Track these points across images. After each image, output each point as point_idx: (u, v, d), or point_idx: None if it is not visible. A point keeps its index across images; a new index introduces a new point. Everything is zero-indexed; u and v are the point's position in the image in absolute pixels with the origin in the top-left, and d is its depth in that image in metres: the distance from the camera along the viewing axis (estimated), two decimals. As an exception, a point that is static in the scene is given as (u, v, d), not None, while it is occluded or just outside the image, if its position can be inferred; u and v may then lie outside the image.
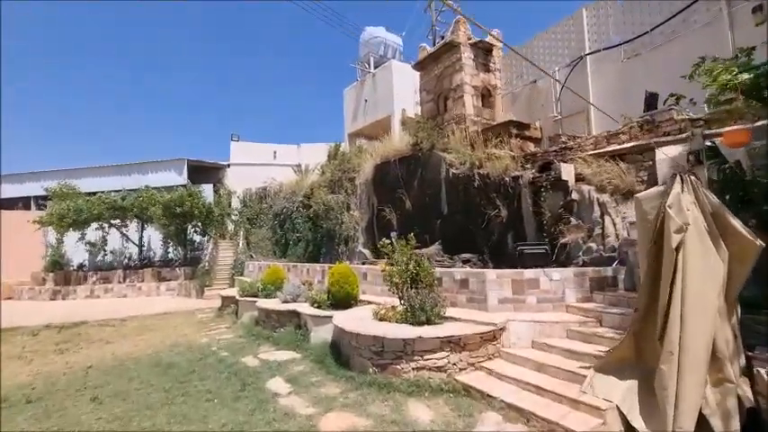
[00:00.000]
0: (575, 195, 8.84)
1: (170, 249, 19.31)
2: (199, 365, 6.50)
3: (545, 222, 9.15)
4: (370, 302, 7.80)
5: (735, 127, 4.75)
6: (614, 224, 8.01)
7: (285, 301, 8.69)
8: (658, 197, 4.02)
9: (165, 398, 5.10)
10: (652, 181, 7.91)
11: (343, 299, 7.49)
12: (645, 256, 4.09)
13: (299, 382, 5.45)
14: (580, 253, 8.42)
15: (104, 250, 18.94)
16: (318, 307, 7.57)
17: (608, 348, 4.76)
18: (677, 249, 3.75)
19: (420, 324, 5.59)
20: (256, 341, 7.87)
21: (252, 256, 17.77)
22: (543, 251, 6.57)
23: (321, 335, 6.89)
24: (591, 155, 8.95)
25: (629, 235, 7.77)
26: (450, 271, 6.75)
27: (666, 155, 7.81)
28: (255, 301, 9.40)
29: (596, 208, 8.38)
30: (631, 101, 10.08)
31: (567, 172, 9.03)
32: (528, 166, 10.22)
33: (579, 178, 9.06)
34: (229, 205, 21.43)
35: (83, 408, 4.93)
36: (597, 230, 8.27)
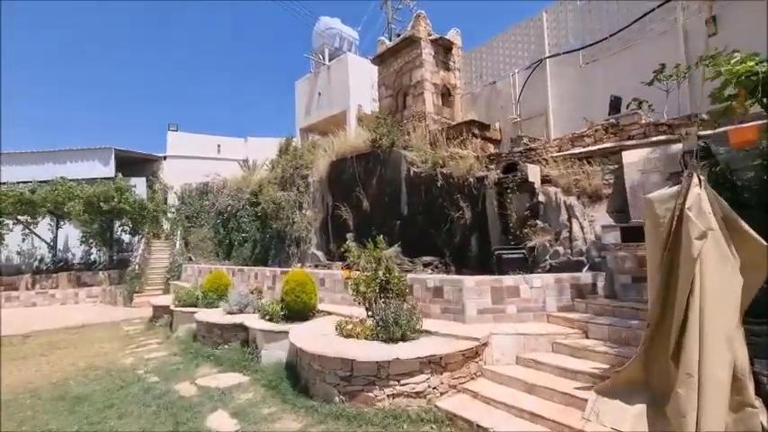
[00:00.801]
0: (541, 197, 8.54)
1: (93, 250, 16.85)
2: (119, 397, 5.20)
3: (511, 225, 8.78)
4: (329, 313, 6.88)
5: (746, 124, 4.46)
6: (582, 227, 7.78)
7: (230, 312, 7.50)
8: (673, 198, 3.58)
9: (66, 450, 3.85)
10: (619, 184, 7.79)
11: (299, 310, 6.51)
12: (657, 266, 3.62)
13: (248, 416, 4.43)
14: (547, 257, 8.10)
15: (3, 249, 16.01)
16: (270, 320, 6.51)
17: (603, 364, 4.29)
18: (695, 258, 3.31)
19: (394, 341, 4.81)
20: (194, 360, 6.63)
21: (191, 258, 15.98)
22: (522, 256, 6.11)
23: (274, 353, 5.87)
24: (556, 156, 8.73)
25: (597, 239, 7.59)
26: (421, 278, 6.05)
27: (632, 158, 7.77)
28: (194, 312, 8.08)
29: (563, 211, 8.13)
30: (591, 105, 10.09)
31: (534, 173, 8.72)
32: (492, 166, 9.85)
33: (545, 180, 8.80)
34: (165, 201, 19.28)
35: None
36: (564, 234, 8.00)
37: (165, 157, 19.76)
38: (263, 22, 64.70)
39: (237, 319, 7.01)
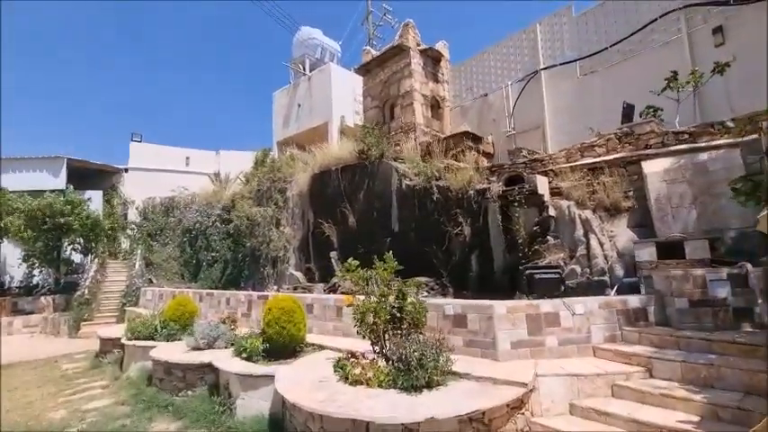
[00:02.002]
0: (552, 211, 7.71)
1: (36, 272, 14.63)
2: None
3: (520, 242, 7.87)
4: (321, 347, 5.59)
5: None
6: (601, 244, 6.95)
7: (196, 348, 6.03)
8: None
9: None
10: (640, 196, 7.08)
11: (285, 345, 5.19)
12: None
13: (219, 505, 3.08)
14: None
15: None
16: (248, 358, 5.14)
17: (692, 416, 3.29)
18: None
19: (417, 389, 3.63)
20: (147, 413, 5.12)
21: (151, 281, 14.11)
22: (556, 276, 5.12)
23: (254, 404, 4.51)
24: (566, 167, 7.98)
25: (620, 256, 6.78)
26: (438, 303, 4.92)
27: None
28: (152, 347, 6.54)
29: (578, 225, 7.30)
30: (590, 117, 9.52)
31: (542, 185, 7.93)
32: (493, 178, 9.00)
33: (555, 192, 8.01)
34: (125, 217, 17.32)
35: None
36: (581, 251, 7.15)
37: (126, 170, 17.86)
38: (236, 30, 61.85)
39: (205, 356, 5.57)
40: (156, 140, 19.63)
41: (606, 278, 6.59)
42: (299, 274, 12.10)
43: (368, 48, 14.10)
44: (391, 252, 9.61)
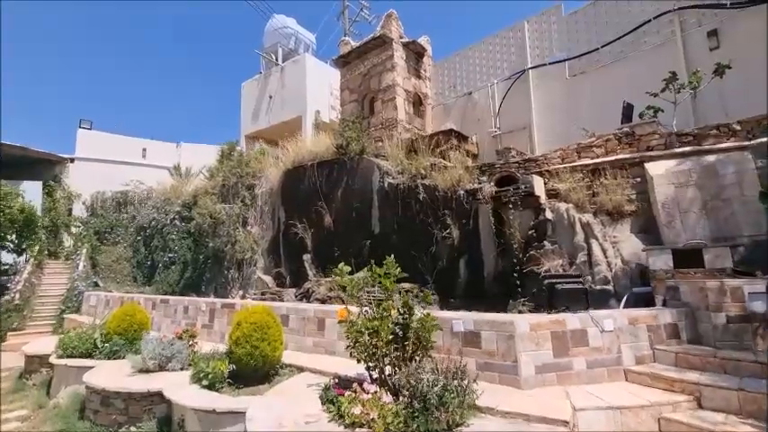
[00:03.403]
0: (549, 214, 7.15)
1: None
2: None
3: (515, 246, 7.26)
4: (300, 368, 4.64)
5: None
6: (604, 251, 6.44)
7: (144, 370, 4.89)
8: None
9: None
10: (643, 199, 6.64)
11: (256, 368, 4.20)
12: None
13: None
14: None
15: None
16: (210, 385, 4.10)
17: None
18: None
19: (436, 434, 2.80)
20: (75, 458, 3.98)
21: (97, 284, 12.44)
22: (580, 286, 4.44)
23: (217, 449, 3.51)
24: (563, 168, 7.46)
25: (625, 264, 6.28)
26: (445, 318, 4.13)
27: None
28: (89, 367, 5.32)
29: (578, 230, 6.77)
30: (579, 118, 9.12)
31: (539, 186, 7.37)
32: (483, 178, 8.38)
33: (551, 195, 7.48)
34: (69, 213, 15.36)
35: None
36: (581, 257, 6.61)
37: (72, 159, 15.86)
38: (201, 12, 57.41)
39: (155, 382, 4.46)
40: (110, 129, 17.71)
41: (610, 287, 6.07)
42: (267, 279, 10.99)
43: (346, 38, 13.23)
44: (371, 255, 8.93)
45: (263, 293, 10.31)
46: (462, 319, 4.03)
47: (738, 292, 3.95)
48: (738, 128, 6.13)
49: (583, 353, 3.79)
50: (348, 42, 12.93)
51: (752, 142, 5.85)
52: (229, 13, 59.93)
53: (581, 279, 4.64)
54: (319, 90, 14.84)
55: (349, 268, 3.88)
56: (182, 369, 4.89)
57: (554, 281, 4.40)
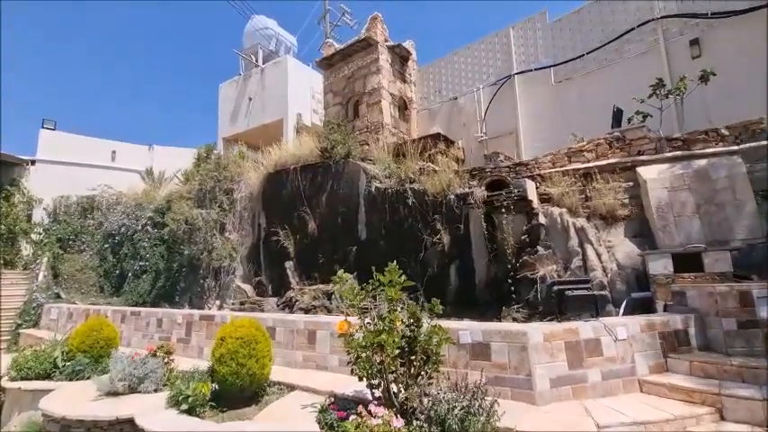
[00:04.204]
0: (542, 219, 7.02)
1: None
2: None
3: (508, 251, 7.08)
4: (291, 386, 4.22)
5: None
6: (599, 255, 6.33)
7: (112, 393, 4.34)
8: None
9: None
10: (636, 204, 6.60)
11: (242, 388, 3.77)
12: None
13: None
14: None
15: None
16: (191, 410, 3.62)
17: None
18: None
19: (455, 463, 2.48)
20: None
21: (59, 296, 11.50)
22: (590, 292, 4.22)
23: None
24: (554, 172, 7.38)
25: (620, 268, 6.18)
26: (451, 328, 3.82)
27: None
28: (47, 391, 4.70)
29: (572, 235, 6.65)
30: (565, 123, 9.14)
31: (531, 190, 7.25)
32: (474, 183, 8.21)
33: (544, 199, 7.37)
34: (28, 219, 14.26)
35: None
36: (576, 262, 6.49)
37: (32, 162, 14.75)
38: (178, 10, 54.97)
39: (124, 407, 3.94)
40: (74, 129, 16.63)
41: (607, 293, 5.93)
42: (247, 287, 10.43)
43: (330, 40, 12.93)
44: (357, 263, 8.57)
45: (242, 303, 9.77)
46: (470, 330, 3.75)
47: (747, 297, 3.85)
48: (726, 133, 6.19)
49: (597, 363, 3.57)
50: (332, 44, 12.63)
51: (742, 146, 5.90)
52: (205, 15, 58.38)
53: (590, 285, 4.44)
54: (301, 93, 14.44)
55: (349, 275, 3.53)
56: (156, 390, 4.37)
57: (564, 287, 4.19)
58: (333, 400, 3.59)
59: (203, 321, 6.06)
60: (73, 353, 5.42)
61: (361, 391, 3.58)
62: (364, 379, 3.26)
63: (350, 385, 3.73)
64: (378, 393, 3.29)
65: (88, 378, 4.98)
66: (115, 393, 4.31)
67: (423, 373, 3.26)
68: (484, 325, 3.91)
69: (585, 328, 3.63)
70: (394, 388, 3.22)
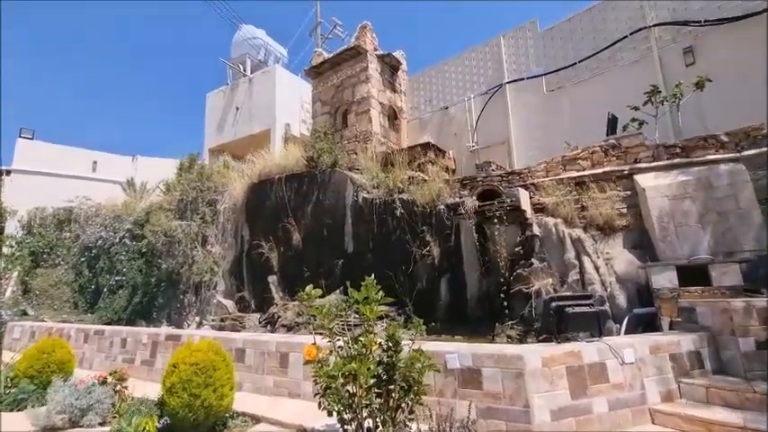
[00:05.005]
0: (536, 230, 6.63)
1: None
2: None
3: (501, 264, 6.67)
4: (257, 419, 3.70)
5: None
6: (597, 268, 5.94)
7: (50, 428, 3.78)
8: None
9: None
10: (635, 213, 6.25)
11: (197, 423, 3.25)
12: None
13: None
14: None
15: None
16: (133, 450, 3.12)
17: None
18: None
19: None
20: None
21: (25, 312, 10.81)
22: (592, 309, 3.78)
23: None
24: (549, 181, 7.03)
25: (620, 282, 5.77)
26: (437, 351, 3.35)
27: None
28: (-18, 422, 4.12)
29: (569, 246, 6.27)
30: (557, 132, 8.87)
31: (525, 200, 6.88)
32: (465, 192, 7.85)
33: (538, 209, 7.00)
34: (1, 231, 13.59)
35: None
36: (573, 276, 6.09)
37: (7, 172, 14.15)
38: (166, 22, 54.55)
39: (62, 444, 3.40)
40: (53, 139, 16.10)
41: (607, 308, 5.53)
42: (228, 303, 9.87)
43: (319, 50, 12.69)
44: (344, 276, 8.08)
45: (222, 320, 9.20)
46: (457, 353, 3.28)
47: (765, 313, 3.45)
48: (726, 139, 5.90)
49: (603, 391, 3.12)
50: (321, 53, 12.38)
51: (744, 153, 5.60)
52: (192, 23, 58.32)
53: (592, 301, 4.02)
54: (290, 103, 14.13)
55: (319, 291, 3.08)
56: (103, 424, 3.81)
57: (563, 303, 3.75)
58: (301, 436, 3.09)
59: (169, 342, 5.50)
60: (18, 378, 4.84)
61: (333, 425, 3.09)
62: (334, 413, 2.77)
63: (322, 417, 3.22)
64: (351, 430, 2.80)
65: (30, 407, 4.40)
66: (53, 428, 3.74)
67: (403, 405, 2.78)
68: (474, 347, 3.44)
69: (589, 351, 3.19)
70: (369, 423, 2.74)
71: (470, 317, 7.07)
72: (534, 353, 3.06)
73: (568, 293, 5.00)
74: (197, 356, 3.33)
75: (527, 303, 6.31)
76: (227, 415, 3.63)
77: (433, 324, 6.88)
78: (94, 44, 53.67)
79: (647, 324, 4.92)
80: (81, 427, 3.76)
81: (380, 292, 2.91)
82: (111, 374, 4.25)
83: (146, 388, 4.59)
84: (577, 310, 3.63)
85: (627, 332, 4.84)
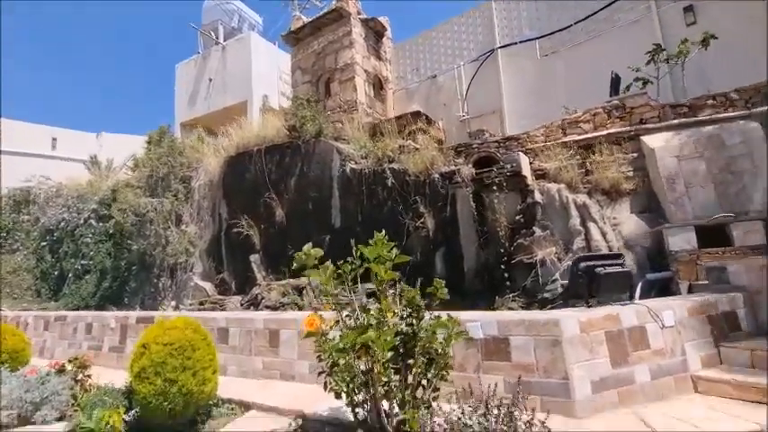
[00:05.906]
0: (538, 197, 6.25)
1: None
2: None
3: (501, 234, 6.28)
4: (246, 407, 3.19)
5: None
6: (603, 234, 5.62)
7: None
8: None
9: None
10: (642, 176, 5.93)
11: (174, 413, 2.71)
12: None
13: None
14: (557, 275, 5.74)
15: None
16: (95, 449, 2.56)
17: None
18: None
19: None
20: None
21: (-20, 302, 9.83)
22: (624, 270, 3.38)
23: None
24: (549, 145, 6.63)
25: (628, 247, 5.48)
26: (463, 318, 2.89)
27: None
28: None
29: (573, 212, 5.91)
30: (552, 99, 8.46)
31: (525, 165, 6.48)
32: (460, 160, 7.38)
33: (539, 175, 6.61)
34: (-50, 215, 12.33)
35: None
36: (578, 243, 5.76)
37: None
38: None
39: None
40: (9, 115, 14.65)
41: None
42: (207, 285, 9.21)
43: (298, 14, 11.78)
44: (332, 253, 7.58)
45: (201, 303, 8.55)
46: (481, 321, 2.83)
47: (808, 270, 3.14)
48: (736, 97, 5.61)
49: (644, 358, 2.75)
50: (300, 18, 11.49)
51: (755, 110, 5.32)
52: None
53: (623, 260, 3.65)
54: (267, 74, 13.20)
55: (320, 250, 2.55)
56: (61, 419, 3.21)
57: (592, 263, 3.35)
58: (301, 423, 2.61)
59: (140, 324, 4.87)
60: (-38, 371, 4.14)
61: (338, 408, 2.63)
62: (343, 395, 2.29)
63: (323, 399, 2.74)
64: (362, 413, 2.32)
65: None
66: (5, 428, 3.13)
67: (424, 382, 2.32)
68: (500, 314, 3.04)
69: (627, 314, 2.81)
70: (386, 406, 2.26)
71: (468, 291, 6.68)
72: (571, 318, 2.64)
73: (596, 254, 4.62)
74: (172, 335, 2.76)
75: (529, 274, 5.98)
76: (211, 403, 3.09)
77: (426, 301, 6.51)
78: (52, 14, 49.58)
79: (661, 289, 4.63)
80: (34, 423, 3.15)
81: (394, 249, 2.41)
82: (70, 362, 3.63)
83: (115, 376, 3.99)
84: (609, 270, 3.23)
85: (641, 298, 4.54)
